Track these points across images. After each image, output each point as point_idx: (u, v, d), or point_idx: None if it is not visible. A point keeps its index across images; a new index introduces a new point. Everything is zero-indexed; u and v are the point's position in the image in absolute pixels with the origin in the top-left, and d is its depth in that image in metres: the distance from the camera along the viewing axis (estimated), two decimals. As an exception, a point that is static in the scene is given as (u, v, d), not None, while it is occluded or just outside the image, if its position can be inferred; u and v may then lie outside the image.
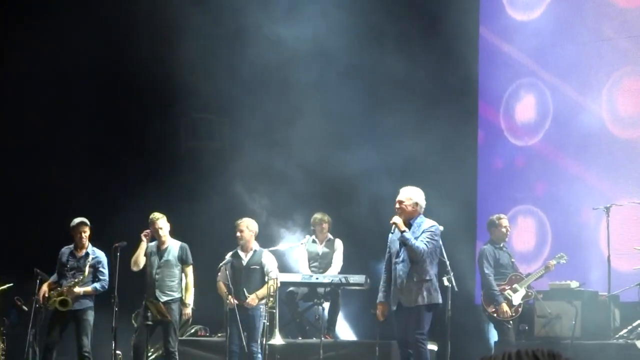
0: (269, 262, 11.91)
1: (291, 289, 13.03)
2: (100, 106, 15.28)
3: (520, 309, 12.00)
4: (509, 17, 14.61)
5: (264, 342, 11.60)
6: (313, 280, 12.77)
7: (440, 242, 10.17)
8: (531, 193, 14.13)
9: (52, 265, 12.28)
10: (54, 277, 11.99)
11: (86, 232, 11.91)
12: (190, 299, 11.80)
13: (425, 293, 9.94)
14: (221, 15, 14.66)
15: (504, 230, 12.20)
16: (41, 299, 11.77)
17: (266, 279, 11.77)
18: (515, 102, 14.47)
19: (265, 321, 11.63)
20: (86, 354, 11.70)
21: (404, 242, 9.94)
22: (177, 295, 11.74)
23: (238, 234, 11.92)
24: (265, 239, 12.52)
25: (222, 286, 11.78)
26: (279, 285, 11.79)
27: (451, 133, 14.15)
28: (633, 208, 12.57)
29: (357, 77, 14.63)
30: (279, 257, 12.65)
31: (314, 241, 13.26)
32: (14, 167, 14.81)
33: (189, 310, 11.82)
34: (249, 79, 15.02)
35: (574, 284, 12.34)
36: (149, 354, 12.55)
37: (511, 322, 11.95)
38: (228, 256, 11.88)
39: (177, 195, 14.49)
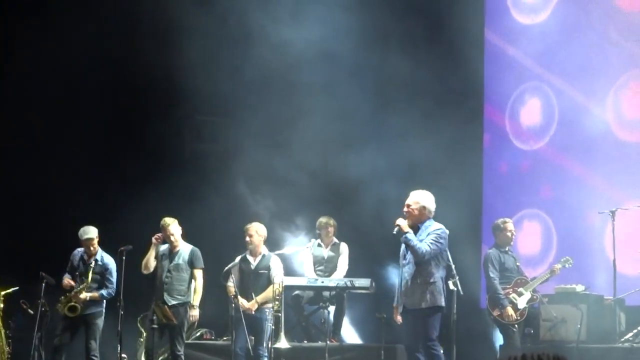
0: (275, 266, 11.91)
1: (297, 292, 13.04)
2: (103, 108, 15.26)
3: (525, 313, 12.00)
4: (514, 20, 14.61)
5: (269, 345, 11.60)
6: (318, 284, 12.77)
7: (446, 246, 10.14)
8: (536, 197, 14.12)
9: (56, 267, 12.31)
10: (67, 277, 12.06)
11: (94, 245, 11.99)
12: (197, 301, 11.81)
13: (428, 296, 9.93)
14: (225, 17, 14.66)
15: (509, 234, 12.20)
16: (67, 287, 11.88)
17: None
18: (521, 105, 14.47)
19: (271, 325, 11.63)
20: (94, 357, 11.82)
21: (406, 244, 9.96)
22: (185, 299, 11.76)
23: (247, 238, 11.92)
24: (269, 242, 12.52)
25: (231, 289, 11.74)
26: (281, 289, 11.77)
27: (456, 136, 14.15)
28: (639, 212, 12.55)
29: (362, 79, 14.62)
30: (284, 260, 12.64)
31: (319, 245, 13.27)
32: (17, 169, 14.79)
33: (195, 312, 11.83)
34: (252, 81, 15.01)
35: (580, 288, 12.33)
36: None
37: (516, 325, 11.96)
38: (237, 260, 11.88)
39: (181, 197, 14.48)
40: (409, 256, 10.00)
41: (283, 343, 11.71)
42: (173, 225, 11.87)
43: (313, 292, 13.02)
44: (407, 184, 11.45)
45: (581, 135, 13.74)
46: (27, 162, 14.88)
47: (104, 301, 12.03)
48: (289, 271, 12.96)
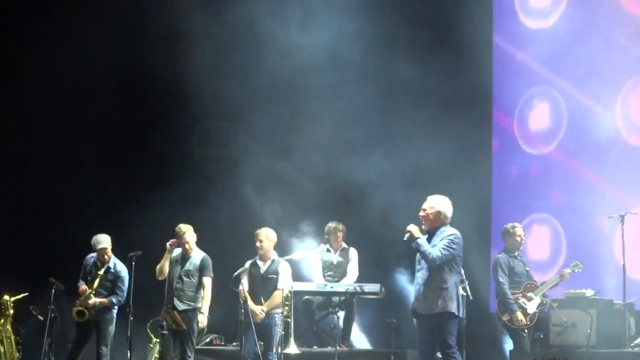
0: (283, 272, 11.90)
1: (307, 297, 13.04)
2: (111, 113, 15.26)
3: (535, 318, 11.99)
4: (522, 25, 14.62)
5: (279, 351, 11.60)
6: (328, 289, 12.77)
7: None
8: (546, 201, 14.12)
9: (66, 273, 12.33)
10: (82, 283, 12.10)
11: (108, 253, 12.03)
12: (205, 308, 11.81)
13: (440, 301, 9.87)
14: (234, 23, 14.67)
15: (518, 239, 12.19)
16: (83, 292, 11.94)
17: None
18: (530, 110, 14.47)
19: (281, 330, 11.63)
20: (104, 363, 11.88)
21: (417, 249, 9.92)
22: (196, 305, 11.76)
23: (257, 243, 11.92)
24: (277, 247, 12.50)
25: (242, 294, 11.73)
26: (287, 294, 11.76)
27: (465, 141, 14.15)
28: (648, 216, 12.54)
29: (370, 84, 14.63)
30: (294, 265, 12.64)
31: (328, 250, 13.26)
32: (26, 176, 14.82)
33: (202, 319, 11.82)
34: (260, 86, 15.03)
35: (589, 293, 12.33)
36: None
37: (526, 330, 11.95)
38: (247, 265, 11.89)
39: (188, 202, 14.49)
40: (423, 261, 9.97)
41: (293, 348, 11.73)
42: (189, 233, 11.90)
43: (322, 298, 13.01)
44: (415, 189, 11.46)
45: (590, 139, 13.74)
46: (36, 169, 14.89)
47: (116, 307, 12.05)
48: (298, 276, 12.95)
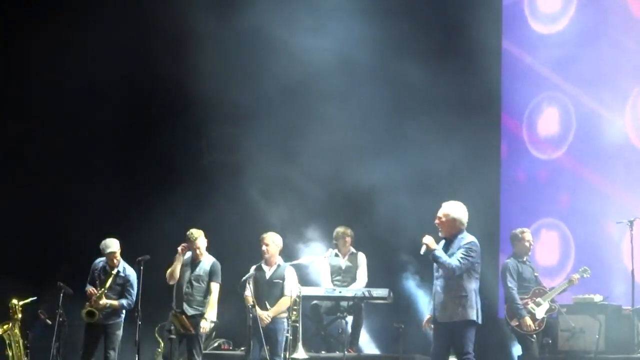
0: (289, 277, 11.89)
1: (315, 302, 13.02)
2: (117, 118, 15.28)
3: (543, 323, 11.96)
4: (531, 30, 14.61)
5: (287, 355, 11.58)
6: (336, 294, 12.75)
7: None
8: (554, 206, 14.10)
9: (74, 277, 12.34)
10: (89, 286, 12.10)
11: (117, 257, 12.04)
12: (209, 314, 11.78)
13: (459, 309, 9.81)
14: (241, 27, 14.68)
15: (527, 244, 12.16)
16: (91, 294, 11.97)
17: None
18: (538, 114, 14.46)
19: (289, 335, 11.62)
20: (112, 367, 11.89)
21: (435, 261, 9.86)
22: (204, 309, 11.76)
23: (263, 247, 11.91)
24: (283, 251, 12.48)
25: (249, 299, 11.72)
26: (294, 299, 11.75)
27: (474, 145, 14.13)
28: (657, 222, 12.50)
29: (378, 89, 14.62)
30: (301, 270, 12.63)
31: (336, 255, 13.25)
32: (33, 180, 14.83)
33: (205, 324, 11.78)
34: (267, 90, 15.02)
35: (598, 298, 12.31)
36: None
37: (535, 335, 11.91)
38: (252, 269, 11.88)
39: (194, 206, 14.49)
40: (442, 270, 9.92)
41: (301, 353, 11.71)
42: (200, 238, 11.92)
43: (331, 302, 13.00)
44: (423, 194, 11.44)
45: (599, 144, 13.72)
46: (44, 173, 14.91)
47: (124, 312, 12.06)
48: (305, 281, 12.94)
